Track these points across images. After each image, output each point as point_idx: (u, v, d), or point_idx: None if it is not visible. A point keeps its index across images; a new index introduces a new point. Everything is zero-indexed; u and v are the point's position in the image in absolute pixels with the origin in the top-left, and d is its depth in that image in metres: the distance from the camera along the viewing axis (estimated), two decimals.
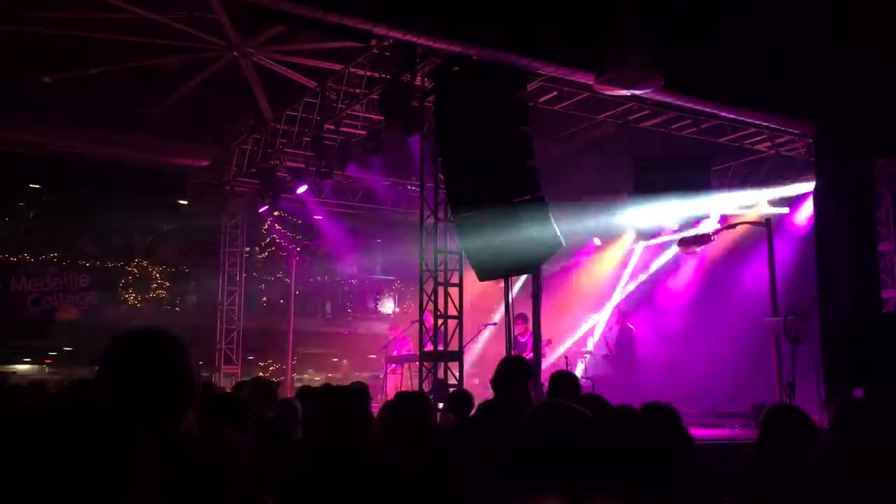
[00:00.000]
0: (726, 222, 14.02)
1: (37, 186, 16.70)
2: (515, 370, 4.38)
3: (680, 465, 3.85)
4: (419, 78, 9.82)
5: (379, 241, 18.34)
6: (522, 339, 12.04)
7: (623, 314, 14.38)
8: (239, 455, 2.73)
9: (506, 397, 4.14)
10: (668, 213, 14.08)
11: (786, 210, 13.85)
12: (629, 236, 16.62)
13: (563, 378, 5.47)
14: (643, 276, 16.20)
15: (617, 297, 16.36)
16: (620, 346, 13.78)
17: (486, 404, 4.33)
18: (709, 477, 4.16)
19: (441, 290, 9.76)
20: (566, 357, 12.13)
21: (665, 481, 3.24)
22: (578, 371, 14.50)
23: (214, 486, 1.98)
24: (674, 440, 3.93)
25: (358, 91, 11.19)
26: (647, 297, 15.92)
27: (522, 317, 11.91)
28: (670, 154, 12.60)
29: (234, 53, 12.47)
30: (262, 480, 3.10)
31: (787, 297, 10.95)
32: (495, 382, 4.19)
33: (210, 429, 2.37)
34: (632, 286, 16.34)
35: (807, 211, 13.25)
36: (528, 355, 11.73)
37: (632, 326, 14.22)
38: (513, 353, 10.07)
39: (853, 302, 9.78)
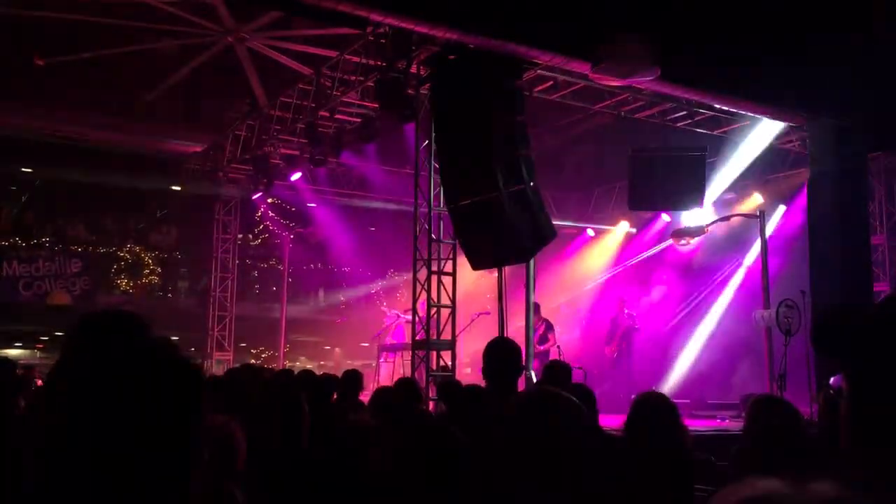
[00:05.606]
0: (720, 214, 14.02)
1: (29, 170, 16.60)
2: (506, 349, 4.25)
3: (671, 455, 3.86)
4: (415, 66, 9.78)
5: (373, 228, 18.31)
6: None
7: (622, 301, 13.99)
8: (233, 441, 2.74)
9: (495, 383, 4.04)
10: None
11: (782, 208, 13.84)
12: (623, 226, 16.64)
13: (558, 368, 5.48)
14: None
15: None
16: (627, 336, 13.48)
17: (471, 390, 4.22)
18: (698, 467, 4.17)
19: (434, 278, 9.76)
20: (558, 346, 12.09)
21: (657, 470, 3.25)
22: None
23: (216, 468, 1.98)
24: (666, 430, 3.93)
25: (353, 78, 11.13)
26: (640, 287, 15.94)
27: (536, 307, 11.79)
28: (664, 152, 12.40)
29: (229, 39, 12.40)
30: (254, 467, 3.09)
31: (779, 290, 10.99)
32: (486, 369, 4.06)
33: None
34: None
35: (800, 205, 13.28)
36: (541, 347, 11.76)
37: (628, 312, 13.95)
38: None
39: (845, 295, 9.80)
